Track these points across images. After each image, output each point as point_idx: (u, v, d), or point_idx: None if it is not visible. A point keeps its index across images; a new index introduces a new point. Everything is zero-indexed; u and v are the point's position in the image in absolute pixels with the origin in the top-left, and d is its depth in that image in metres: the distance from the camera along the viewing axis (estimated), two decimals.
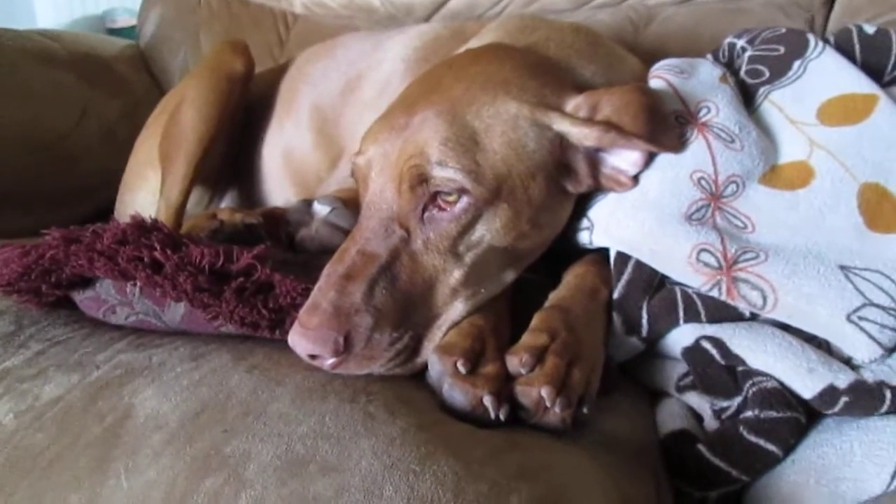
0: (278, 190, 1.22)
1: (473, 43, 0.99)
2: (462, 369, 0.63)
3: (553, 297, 0.74)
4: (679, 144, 0.75)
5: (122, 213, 1.28)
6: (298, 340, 0.64)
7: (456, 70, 0.75)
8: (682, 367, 0.74)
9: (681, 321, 0.72)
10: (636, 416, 0.72)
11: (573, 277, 0.76)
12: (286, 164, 1.21)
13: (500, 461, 0.55)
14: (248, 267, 0.76)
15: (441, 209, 0.68)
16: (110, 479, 0.57)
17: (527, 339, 0.67)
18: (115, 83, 1.67)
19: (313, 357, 0.64)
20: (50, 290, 0.80)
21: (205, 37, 1.73)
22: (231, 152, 1.26)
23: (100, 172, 1.52)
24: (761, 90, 0.85)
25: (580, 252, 0.81)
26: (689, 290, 0.72)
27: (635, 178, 0.75)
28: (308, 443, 0.56)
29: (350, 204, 0.89)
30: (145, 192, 1.26)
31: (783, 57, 0.86)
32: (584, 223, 0.78)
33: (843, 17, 1.21)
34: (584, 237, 0.78)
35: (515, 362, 0.64)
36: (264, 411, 0.60)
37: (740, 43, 0.96)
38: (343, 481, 0.52)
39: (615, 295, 0.74)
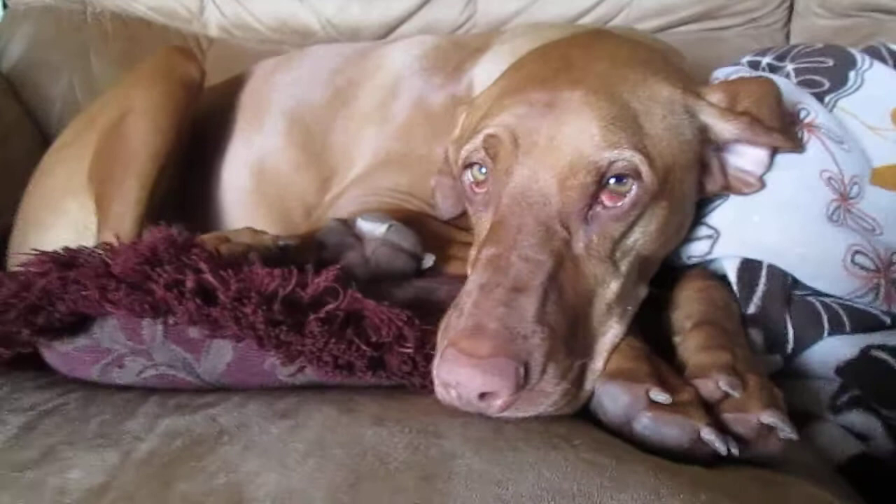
0: (247, 218, 1.01)
1: (500, 49, 0.90)
2: (662, 399, 0.51)
3: (689, 313, 0.64)
4: (801, 143, 0.70)
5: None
6: (469, 375, 0.48)
7: (584, 48, 0.64)
8: (829, 386, 0.66)
9: (825, 334, 0.65)
10: (799, 441, 0.63)
11: (696, 292, 0.67)
12: (258, 188, 1.02)
13: (771, 495, 0.44)
14: (323, 293, 0.59)
15: (605, 206, 0.57)
16: None
17: (707, 358, 0.56)
18: None
19: (482, 396, 0.49)
20: (31, 338, 0.57)
21: (98, 61, 1.47)
22: (177, 175, 1.04)
23: None
24: (827, 98, 0.83)
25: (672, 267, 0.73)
26: (828, 300, 0.66)
27: (760, 179, 0.68)
28: None
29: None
30: (62, 229, 0.99)
31: (836, 68, 0.85)
32: (703, 231, 0.69)
33: None
34: (701, 247, 0.69)
35: (712, 386, 0.53)
36: (451, 472, 0.44)
37: (766, 60, 0.95)
38: None
39: (751, 310, 0.66)
